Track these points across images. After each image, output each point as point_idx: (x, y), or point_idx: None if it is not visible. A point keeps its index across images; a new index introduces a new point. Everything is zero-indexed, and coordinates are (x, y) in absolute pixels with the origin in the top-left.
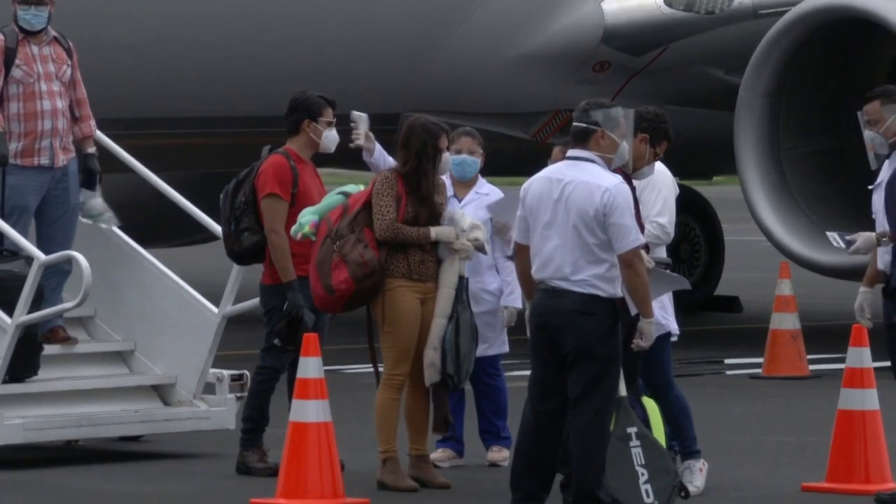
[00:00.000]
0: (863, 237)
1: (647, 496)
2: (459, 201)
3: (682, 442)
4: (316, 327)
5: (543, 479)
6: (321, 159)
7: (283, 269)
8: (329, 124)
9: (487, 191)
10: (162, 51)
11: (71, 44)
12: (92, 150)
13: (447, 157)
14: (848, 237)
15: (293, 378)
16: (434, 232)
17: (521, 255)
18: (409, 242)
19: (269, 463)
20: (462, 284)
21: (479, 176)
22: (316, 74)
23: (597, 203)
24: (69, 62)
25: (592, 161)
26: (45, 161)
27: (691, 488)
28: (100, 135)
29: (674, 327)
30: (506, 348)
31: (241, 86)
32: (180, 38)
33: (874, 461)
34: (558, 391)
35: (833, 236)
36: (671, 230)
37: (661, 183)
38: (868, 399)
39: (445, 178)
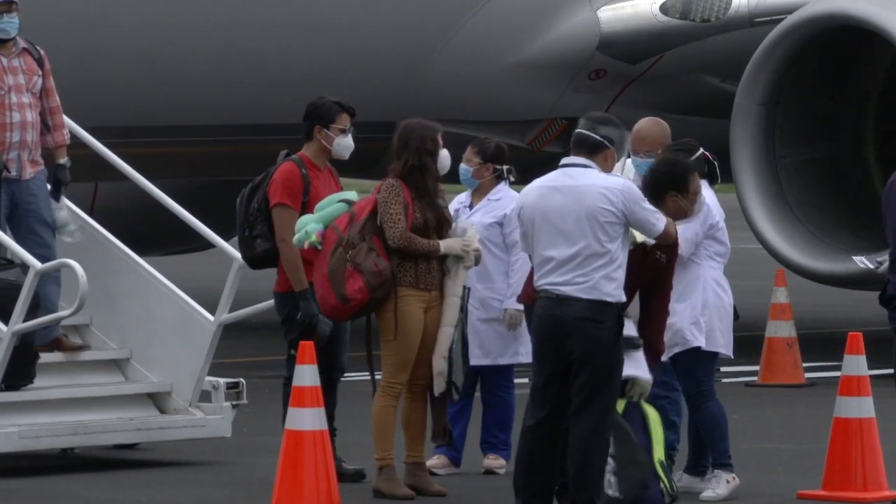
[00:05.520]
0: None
1: (609, 486)
2: (471, 209)
3: (714, 453)
4: (336, 337)
5: (543, 489)
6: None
7: (295, 280)
8: (342, 131)
9: (499, 197)
10: (158, 59)
11: (42, 52)
12: (63, 160)
13: (445, 153)
14: (879, 258)
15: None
16: (443, 245)
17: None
18: (419, 253)
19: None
20: (465, 294)
21: (504, 183)
22: (312, 83)
23: (611, 205)
24: (40, 72)
25: (590, 167)
26: (12, 173)
27: (710, 493)
28: (95, 142)
29: (701, 341)
30: (520, 358)
31: (238, 94)
32: (176, 46)
33: (870, 469)
34: (558, 399)
35: (860, 259)
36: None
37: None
38: (864, 407)
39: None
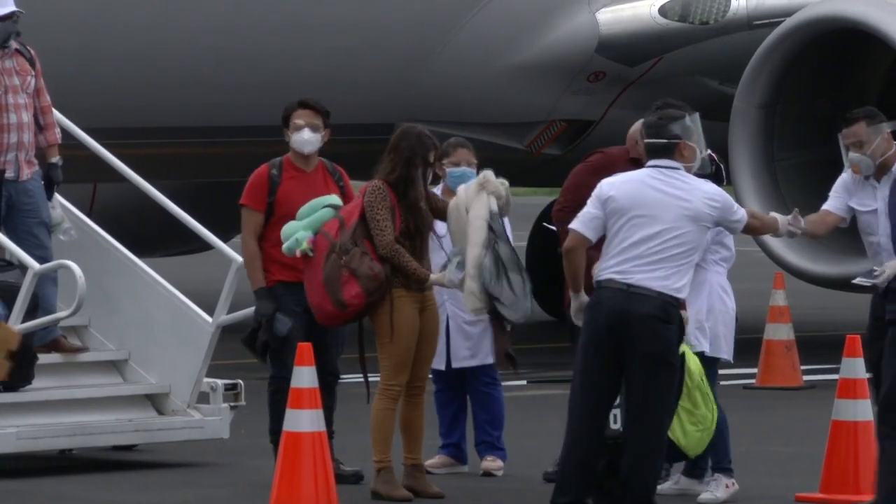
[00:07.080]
0: (891, 266)
1: (615, 421)
2: None
3: (714, 457)
4: (329, 341)
5: (590, 483)
6: None
7: (251, 278)
8: (298, 126)
9: None
10: (156, 60)
11: (33, 52)
12: (55, 159)
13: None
14: (876, 271)
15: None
16: (432, 279)
17: (579, 249)
18: (402, 270)
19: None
20: (495, 220)
21: None
22: (310, 84)
23: (715, 211)
24: (32, 72)
25: (679, 168)
26: (9, 174)
27: (709, 496)
28: (94, 144)
29: (705, 347)
30: None
31: (236, 96)
32: (175, 47)
33: (867, 472)
34: (610, 392)
35: (860, 280)
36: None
37: None
38: (862, 410)
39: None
